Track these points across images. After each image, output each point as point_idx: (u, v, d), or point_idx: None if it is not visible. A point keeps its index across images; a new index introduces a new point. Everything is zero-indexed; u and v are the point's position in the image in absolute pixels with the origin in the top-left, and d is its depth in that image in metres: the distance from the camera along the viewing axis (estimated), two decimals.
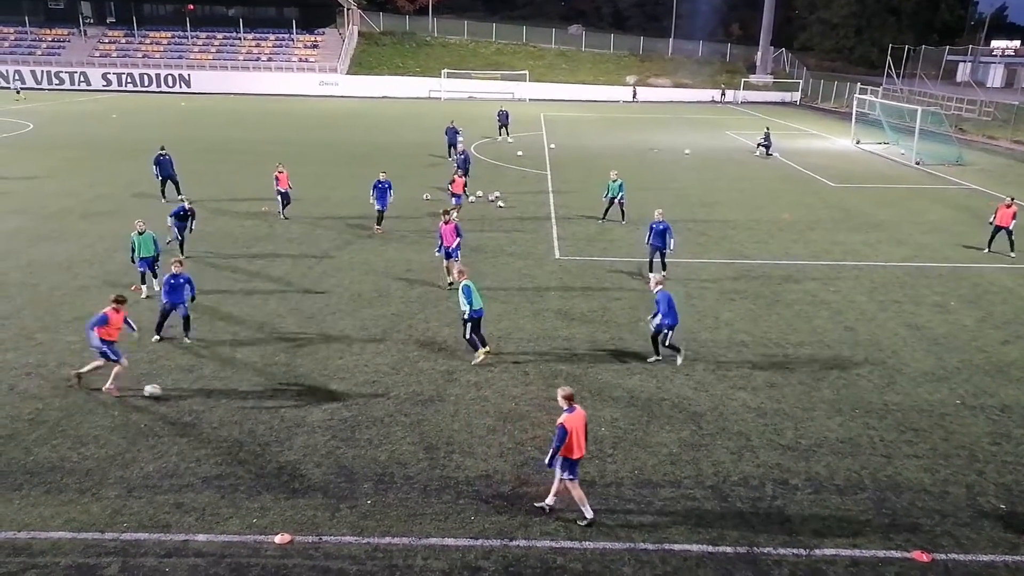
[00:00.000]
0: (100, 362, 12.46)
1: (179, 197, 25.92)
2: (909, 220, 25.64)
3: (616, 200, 23.97)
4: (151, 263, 16.87)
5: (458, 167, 27.99)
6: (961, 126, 49.90)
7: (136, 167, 31.87)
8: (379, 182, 22.33)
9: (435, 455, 10.84)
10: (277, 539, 8.95)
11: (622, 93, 70.81)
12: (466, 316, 13.64)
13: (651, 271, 18.01)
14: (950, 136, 42.69)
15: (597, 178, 31.91)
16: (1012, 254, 21.33)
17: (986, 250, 21.66)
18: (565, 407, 9.26)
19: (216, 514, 9.39)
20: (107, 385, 12.38)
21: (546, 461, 9.44)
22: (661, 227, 18.12)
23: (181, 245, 19.49)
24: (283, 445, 10.99)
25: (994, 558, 8.89)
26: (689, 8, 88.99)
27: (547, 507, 9.59)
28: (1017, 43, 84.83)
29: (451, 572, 8.51)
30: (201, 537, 8.97)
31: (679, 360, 13.71)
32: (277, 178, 23.92)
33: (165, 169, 25.97)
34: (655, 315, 13.52)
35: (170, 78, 68.48)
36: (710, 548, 8.99)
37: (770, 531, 9.33)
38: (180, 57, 71.06)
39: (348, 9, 76.49)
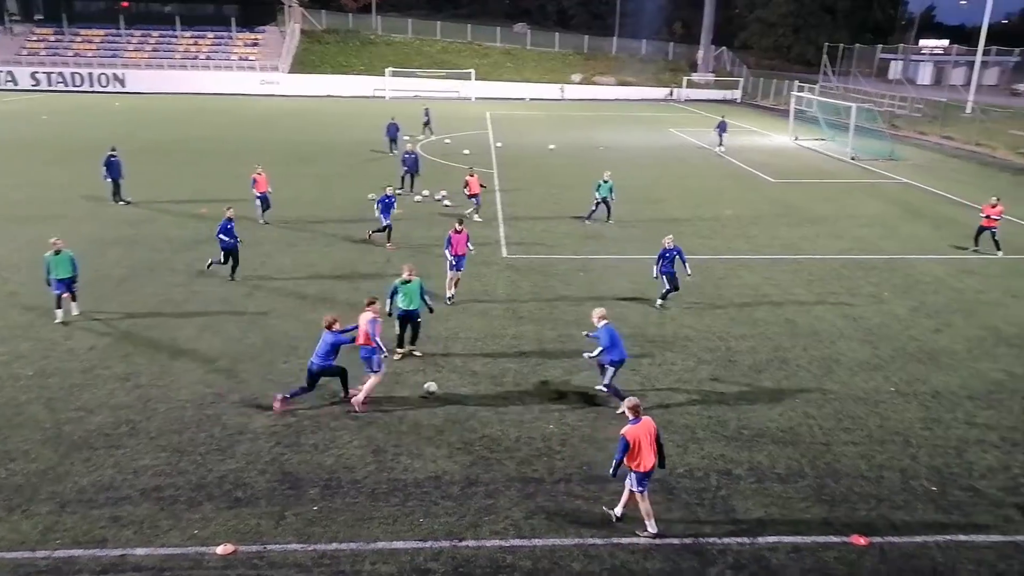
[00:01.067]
0: (376, 374, 12.20)
1: (119, 200, 25.33)
2: (846, 214, 26.40)
3: (605, 200, 23.99)
4: (69, 284, 15.19)
5: (406, 167, 27.78)
6: (894, 122, 51.58)
7: (69, 170, 30.82)
8: (387, 196, 21.07)
9: (383, 458, 10.74)
10: (219, 550, 8.75)
11: (547, 91, 71.11)
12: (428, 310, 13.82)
13: (664, 298, 16.96)
14: (883, 132, 44.11)
15: (543, 176, 32.12)
16: (999, 253, 21.31)
17: (973, 249, 21.68)
18: (631, 418, 9.11)
19: (155, 527, 9.13)
20: (358, 396, 12.11)
21: (610, 472, 9.26)
22: (673, 253, 16.61)
23: (233, 268, 18.02)
24: (225, 453, 10.74)
25: (926, 539, 9.22)
26: (633, 7, 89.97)
27: (615, 516, 9.40)
28: (945, 42, 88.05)
29: (400, 575, 8.44)
30: (140, 551, 8.71)
31: (621, 409, 12.08)
32: (255, 180, 23.05)
33: (114, 171, 25.24)
34: (598, 350, 12.14)
35: (103, 77, 66.21)
36: (657, 540, 9.11)
37: (715, 521, 9.50)
38: (114, 56, 68.78)
39: (289, 7, 75.14)
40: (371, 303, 12.37)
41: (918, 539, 9.23)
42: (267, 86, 67.66)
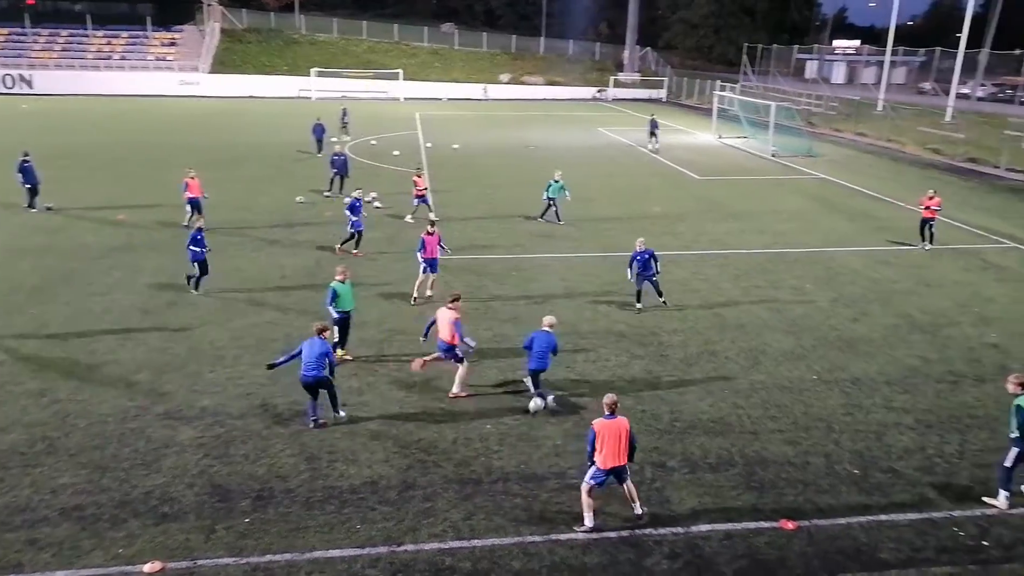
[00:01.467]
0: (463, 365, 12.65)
1: (34, 207, 24.12)
2: (768, 209, 27.24)
3: (553, 200, 24.05)
4: None
5: (335, 169, 27.33)
6: (811, 120, 53.54)
7: None
8: (356, 200, 20.28)
9: (317, 465, 10.53)
10: (146, 568, 8.42)
11: (470, 91, 71.15)
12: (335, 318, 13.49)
13: (639, 301, 16.80)
14: (801, 129, 45.72)
15: (474, 177, 32.10)
16: (927, 245, 21.88)
17: (922, 245, 22.03)
18: (606, 412, 9.23)
19: (76, 547, 8.72)
20: (454, 390, 12.54)
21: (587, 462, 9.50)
22: (646, 256, 16.55)
23: (197, 280, 17.13)
24: (150, 468, 10.34)
25: (850, 520, 9.60)
26: (559, 8, 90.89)
27: (638, 514, 9.49)
28: (856, 43, 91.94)
29: None
30: (59, 574, 8.30)
31: (549, 403, 12.21)
32: (187, 184, 22.06)
33: (30, 177, 24.11)
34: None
35: (8, 78, 62.85)
36: (594, 534, 9.20)
37: (650, 513, 9.65)
38: (19, 56, 65.40)
39: (208, 5, 72.91)
40: (455, 300, 12.64)
41: (842, 521, 9.59)
42: (187, 87, 65.57)
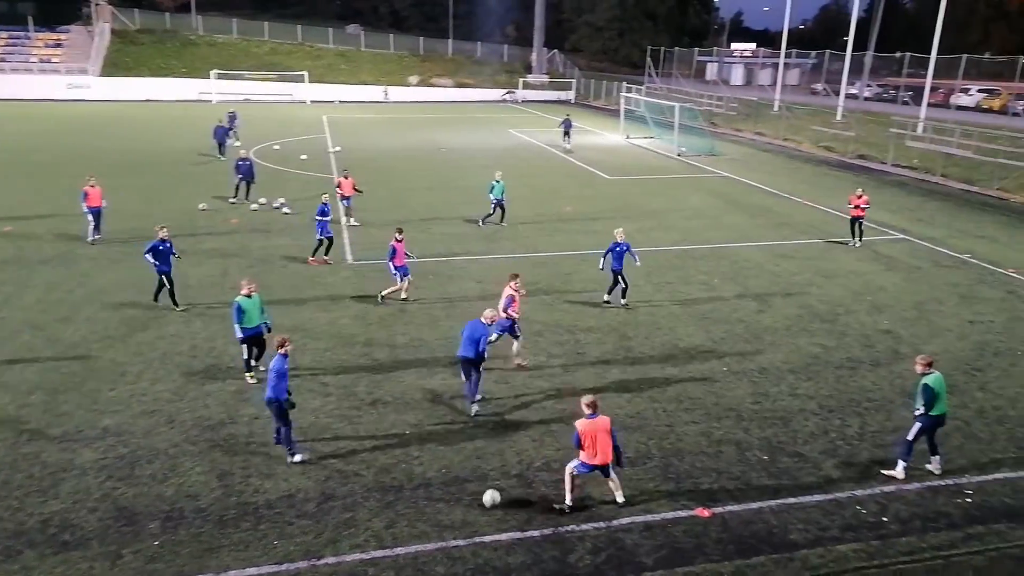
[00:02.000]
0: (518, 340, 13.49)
1: None
2: (675, 207, 28.05)
3: (500, 202, 23.95)
4: None
5: (240, 174, 26.43)
6: (713, 120, 55.46)
7: None
8: (322, 206, 19.40)
9: (230, 481, 10.15)
10: None
11: (369, 94, 70.32)
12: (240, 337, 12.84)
13: (610, 294, 17.28)
14: (704, 129, 47.29)
15: (385, 180, 31.70)
16: (857, 242, 22.61)
17: (852, 242, 22.71)
18: (587, 413, 9.48)
19: None
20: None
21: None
22: (624, 247, 16.76)
23: (172, 293, 16.07)
24: (47, 494, 9.73)
25: (761, 505, 9.98)
26: (466, 10, 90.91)
27: (619, 502, 9.86)
28: (753, 45, 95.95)
29: None
30: None
31: (472, 411, 12.12)
32: (86, 193, 20.58)
33: None
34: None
35: None
36: (519, 534, 9.24)
37: (572, 509, 9.75)
38: None
39: (96, 4, 69.24)
40: (514, 277, 13.67)
41: (754, 505, 9.96)
42: (75, 90, 62.11)
